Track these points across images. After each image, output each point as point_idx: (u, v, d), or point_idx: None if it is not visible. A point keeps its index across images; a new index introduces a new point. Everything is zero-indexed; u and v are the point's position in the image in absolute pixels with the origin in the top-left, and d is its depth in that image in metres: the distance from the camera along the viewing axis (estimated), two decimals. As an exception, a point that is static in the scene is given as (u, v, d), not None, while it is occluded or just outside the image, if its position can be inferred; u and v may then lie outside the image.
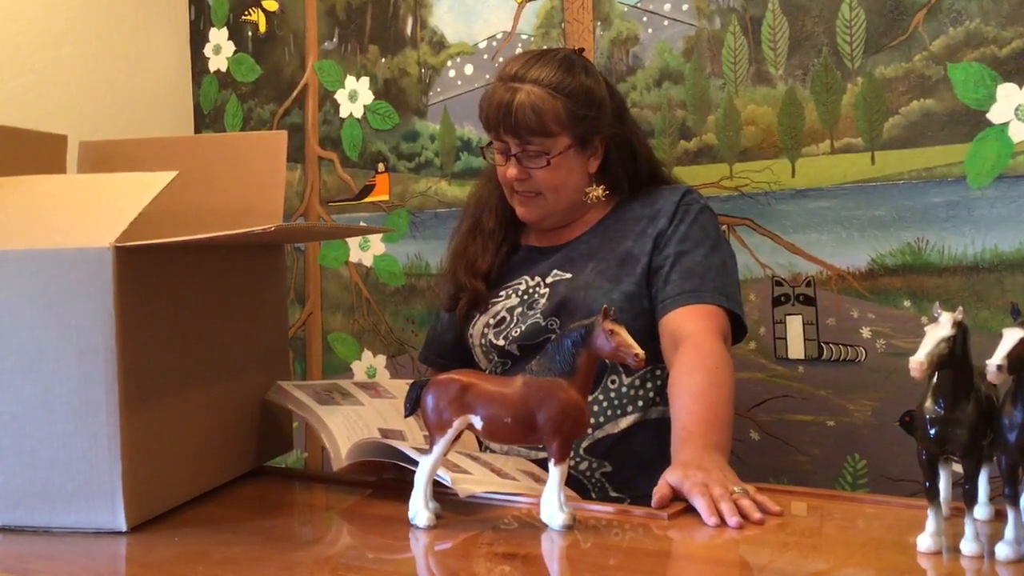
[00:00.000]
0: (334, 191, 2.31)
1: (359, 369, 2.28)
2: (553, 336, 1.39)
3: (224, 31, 2.45)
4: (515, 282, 1.58)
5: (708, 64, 1.84)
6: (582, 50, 1.60)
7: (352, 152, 2.27)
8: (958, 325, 0.88)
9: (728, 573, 0.99)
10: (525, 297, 1.55)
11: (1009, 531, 0.90)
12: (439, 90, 2.16)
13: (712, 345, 1.38)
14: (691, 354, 1.37)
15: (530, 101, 1.48)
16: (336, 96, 2.29)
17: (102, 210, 1.16)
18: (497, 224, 1.62)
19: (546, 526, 1.06)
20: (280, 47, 2.37)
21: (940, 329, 0.88)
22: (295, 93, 2.35)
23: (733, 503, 1.08)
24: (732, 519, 1.06)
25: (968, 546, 0.92)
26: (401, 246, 2.22)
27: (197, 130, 2.49)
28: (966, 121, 1.62)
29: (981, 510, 1.02)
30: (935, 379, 0.90)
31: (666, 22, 1.88)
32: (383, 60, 2.22)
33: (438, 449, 1.06)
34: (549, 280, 1.55)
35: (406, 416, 1.11)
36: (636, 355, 1.00)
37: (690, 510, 1.11)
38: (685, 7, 1.86)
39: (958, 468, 0.94)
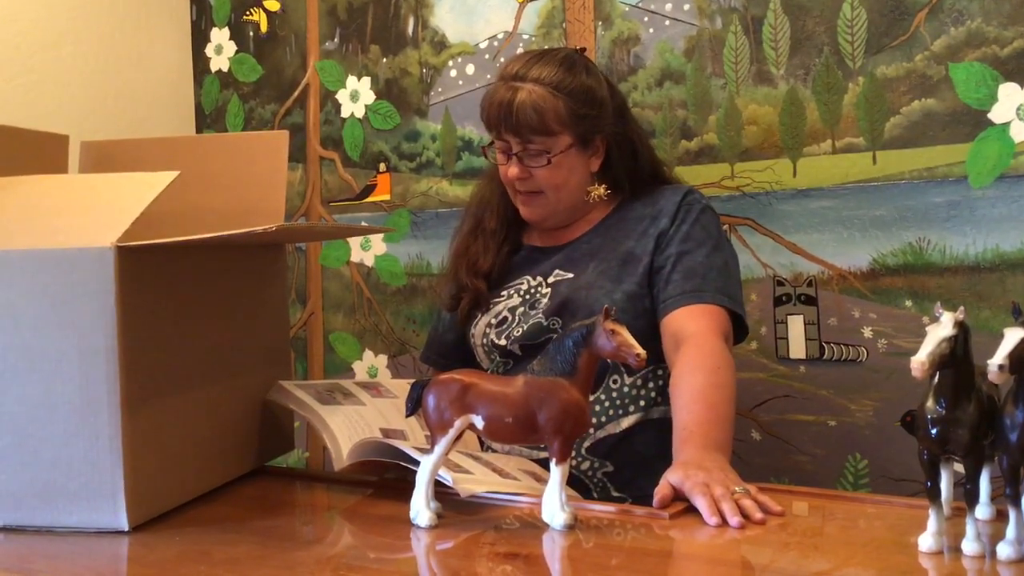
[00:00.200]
0: (335, 191, 2.31)
1: (360, 369, 2.29)
2: (555, 336, 1.39)
3: (225, 31, 2.45)
4: (517, 282, 1.58)
5: (709, 64, 1.84)
6: (584, 50, 1.60)
7: (353, 152, 2.28)
8: (959, 325, 0.88)
9: (730, 573, 0.99)
10: (527, 297, 1.55)
11: (1010, 531, 0.90)
12: (440, 90, 2.16)
13: (714, 345, 1.38)
14: (693, 354, 1.37)
15: (531, 100, 1.48)
16: (337, 96, 2.29)
17: (104, 210, 1.16)
18: (499, 224, 1.62)
19: (547, 526, 1.06)
20: (281, 47, 2.37)
21: (941, 329, 0.88)
22: (296, 93, 2.35)
23: (734, 503, 1.08)
24: (733, 519, 1.06)
25: (969, 546, 0.92)
26: (402, 246, 2.22)
27: (198, 130, 2.49)
28: (967, 121, 1.62)
29: (982, 510, 1.01)
30: (936, 379, 0.90)
31: (667, 22, 1.88)
32: (384, 60, 2.22)
33: (439, 449, 1.06)
34: (551, 280, 1.55)
35: (407, 416, 1.11)
36: (637, 355, 1.00)
37: (691, 510, 1.11)
38: (686, 7, 1.86)
39: (959, 468, 0.94)
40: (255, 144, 1.56)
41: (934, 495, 0.93)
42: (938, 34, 1.64)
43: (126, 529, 1.09)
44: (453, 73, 2.14)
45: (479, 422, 1.05)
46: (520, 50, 2.01)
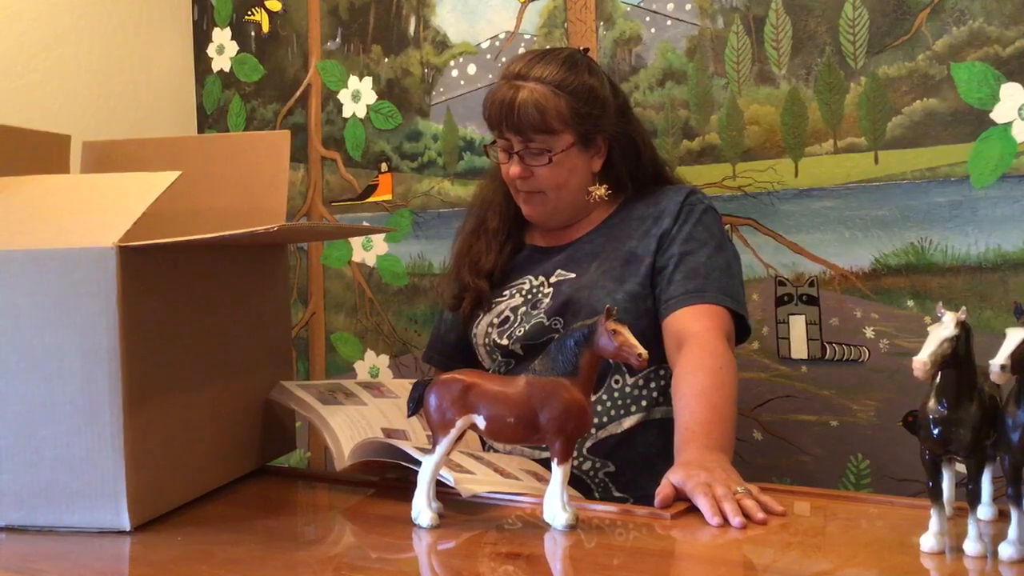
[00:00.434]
0: (337, 191, 2.31)
1: (362, 369, 2.29)
2: (556, 336, 1.39)
3: (227, 31, 2.45)
4: (519, 282, 1.58)
5: (711, 64, 1.84)
6: (587, 50, 1.60)
7: (355, 152, 2.28)
8: (961, 325, 0.88)
9: (731, 573, 0.99)
10: (529, 297, 1.55)
11: (1012, 531, 0.90)
12: (442, 90, 2.16)
13: (716, 345, 1.38)
14: (695, 354, 1.37)
15: (533, 98, 1.48)
16: (339, 96, 2.29)
17: (106, 210, 1.16)
18: (501, 223, 1.63)
19: (549, 526, 1.06)
20: (283, 47, 2.37)
21: (943, 329, 0.88)
22: (298, 93, 2.35)
23: (736, 503, 1.08)
24: (735, 519, 1.06)
25: (971, 546, 0.92)
26: (404, 246, 2.23)
27: (200, 130, 2.49)
28: (969, 121, 1.62)
29: (984, 510, 1.01)
30: (938, 379, 0.90)
31: (669, 22, 1.88)
32: (386, 60, 2.22)
33: (441, 449, 1.06)
34: (553, 280, 1.55)
35: (409, 416, 1.11)
36: (639, 355, 1.00)
37: (693, 510, 1.11)
38: (688, 7, 1.85)
39: (961, 468, 0.94)
40: (257, 144, 1.56)
41: (936, 495, 0.93)
42: (940, 34, 1.64)
43: (128, 529, 1.09)
44: (455, 73, 2.14)
45: (481, 422, 1.05)
46: (522, 50, 2.01)
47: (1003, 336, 0.85)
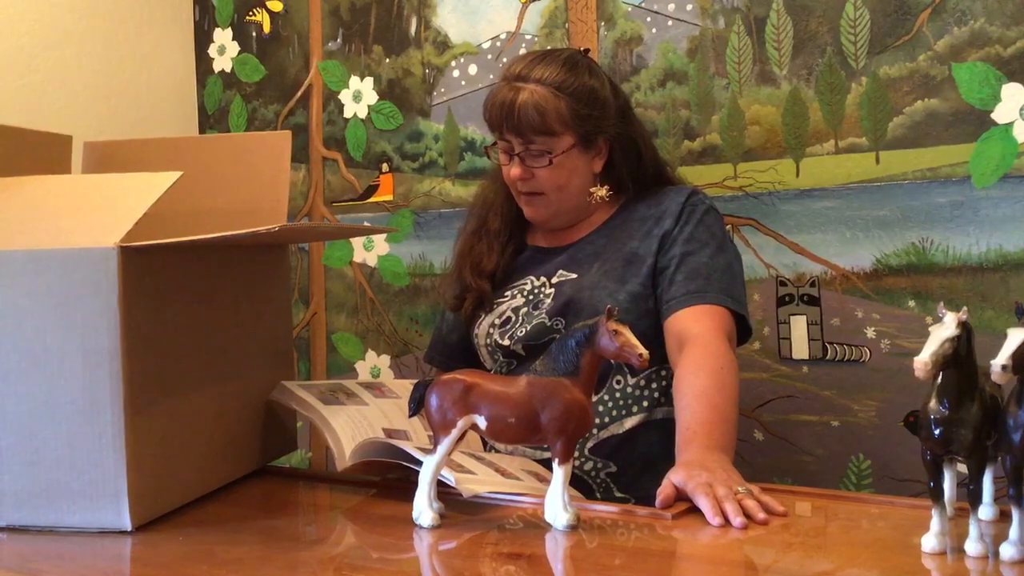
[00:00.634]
0: (338, 191, 2.31)
1: (363, 369, 2.29)
2: (558, 336, 1.39)
3: (228, 31, 2.45)
4: (521, 282, 1.58)
5: (712, 64, 1.84)
6: (587, 50, 1.60)
7: (356, 152, 2.28)
8: (962, 325, 0.88)
9: (732, 573, 0.99)
10: (530, 297, 1.55)
11: (1014, 531, 0.90)
12: (443, 90, 2.16)
13: (717, 346, 1.38)
14: (696, 355, 1.37)
15: (533, 100, 1.48)
16: (340, 96, 2.29)
17: (107, 210, 1.16)
18: (503, 224, 1.63)
19: (550, 526, 1.06)
20: (284, 47, 2.37)
21: (944, 329, 0.88)
22: (299, 93, 2.35)
23: (737, 503, 1.08)
24: (736, 519, 1.06)
25: (972, 547, 0.91)
26: (405, 246, 2.23)
27: (201, 130, 2.49)
28: (971, 121, 1.62)
29: (985, 511, 1.01)
30: (939, 379, 0.90)
31: (670, 22, 1.88)
32: (387, 60, 2.22)
33: (442, 449, 1.06)
34: (555, 280, 1.55)
35: (410, 416, 1.11)
36: (640, 355, 1.00)
37: (694, 510, 1.11)
38: (689, 7, 1.85)
39: (963, 468, 0.94)
40: (258, 144, 1.56)
41: (937, 496, 0.93)
42: (941, 34, 1.64)
43: (129, 529, 1.09)
44: (456, 73, 2.14)
45: (482, 422, 1.05)
46: (523, 50, 2.01)
47: (1004, 336, 0.85)
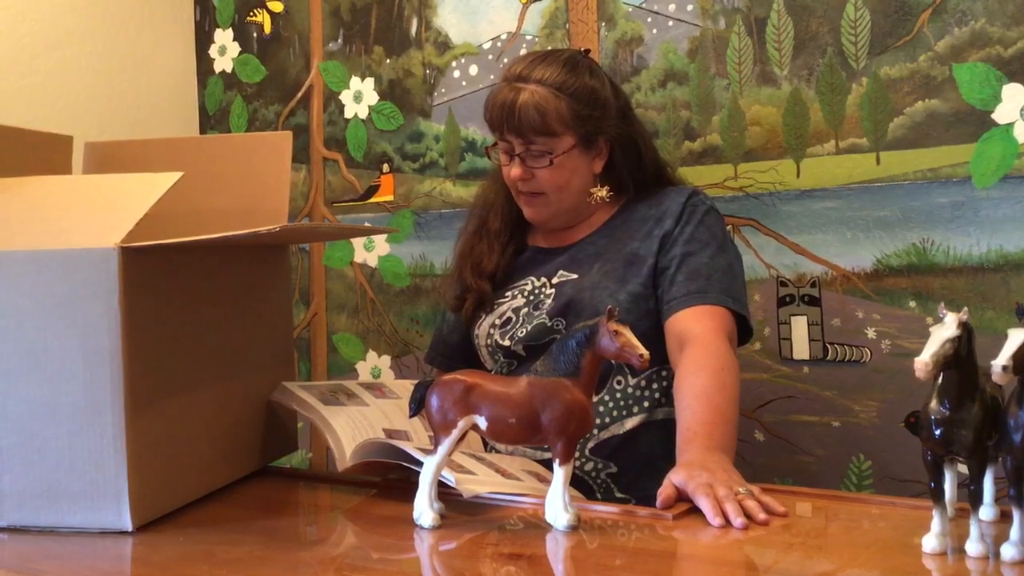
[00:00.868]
0: (339, 192, 2.31)
1: (364, 369, 2.29)
2: (558, 336, 1.39)
3: (229, 32, 2.45)
4: (521, 283, 1.58)
5: (713, 65, 1.84)
6: (588, 51, 1.60)
7: (357, 153, 2.28)
8: (963, 326, 0.88)
9: (733, 574, 0.99)
10: (531, 298, 1.55)
11: (1014, 532, 0.90)
12: (444, 91, 2.16)
13: (718, 346, 1.38)
14: (697, 355, 1.37)
15: (534, 101, 1.48)
16: (341, 97, 2.29)
17: (108, 211, 1.16)
18: (503, 225, 1.63)
19: (551, 527, 1.06)
20: (285, 48, 2.37)
21: (945, 330, 0.88)
22: (300, 94, 2.35)
23: (738, 504, 1.08)
24: (737, 520, 1.06)
25: (973, 547, 0.91)
26: (406, 247, 2.23)
27: (202, 131, 2.49)
28: (971, 121, 1.62)
29: (986, 511, 1.01)
30: (940, 380, 0.90)
31: (671, 23, 1.88)
32: (388, 61, 2.22)
33: (443, 449, 1.06)
34: (555, 281, 1.55)
35: (411, 416, 1.11)
36: (641, 356, 1.00)
37: (695, 511, 1.11)
38: (690, 8, 1.85)
39: (963, 469, 0.94)
40: (259, 145, 1.56)
41: (938, 496, 0.93)
42: (942, 35, 1.64)
43: (130, 529, 1.09)
44: (456, 74, 2.14)
45: (482, 423, 1.05)
46: (523, 51, 2.01)
47: (1005, 337, 0.85)
